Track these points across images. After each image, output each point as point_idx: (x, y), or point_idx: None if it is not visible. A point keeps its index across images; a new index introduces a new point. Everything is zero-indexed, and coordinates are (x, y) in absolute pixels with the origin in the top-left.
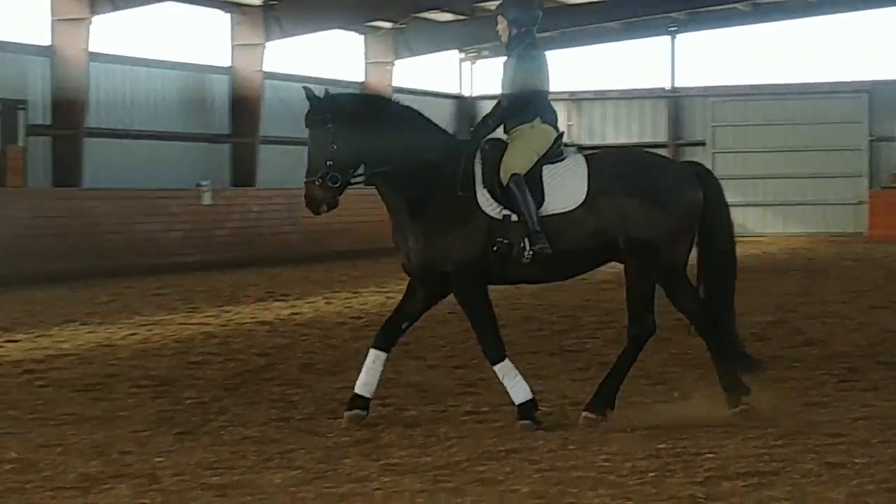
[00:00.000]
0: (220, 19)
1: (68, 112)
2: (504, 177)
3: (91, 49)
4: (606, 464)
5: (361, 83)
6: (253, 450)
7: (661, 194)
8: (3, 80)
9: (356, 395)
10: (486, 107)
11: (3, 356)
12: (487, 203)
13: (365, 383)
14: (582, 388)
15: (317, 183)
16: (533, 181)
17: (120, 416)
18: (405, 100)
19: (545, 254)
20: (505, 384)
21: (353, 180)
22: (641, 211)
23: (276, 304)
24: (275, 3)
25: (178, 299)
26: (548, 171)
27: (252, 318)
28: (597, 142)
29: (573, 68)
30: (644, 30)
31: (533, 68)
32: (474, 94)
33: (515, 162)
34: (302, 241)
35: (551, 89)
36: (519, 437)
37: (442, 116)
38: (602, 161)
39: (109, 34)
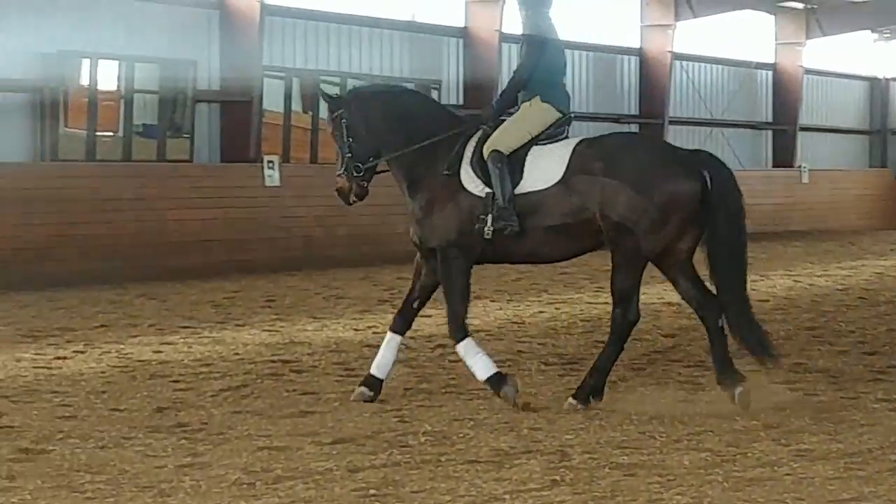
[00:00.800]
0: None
1: (480, 93)
2: (486, 153)
3: (504, 30)
4: None
5: (772, 65)
6: (661, 430)
7: (646, 180)
8: (419, 62)
9: (369, 374)
10: None
11: (416, 331)
12: (470, 181)
13: (378, 364)
14: None
15: (343, 175)
16: (517, 159)
17: (529, 392)
18: (816, 82)
19: (513, 231)
20: (467, 363)
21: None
22: (620, 194)
23: None
24: None
25: (585, 278)
26: (535, 151)
27: (659, 298)
28: None
29: None
30: None
31: (532, 50)
32: (888, 76)
33: (500, 139)
34: None
35: (559, 69)
36: None
37: (853, 99)
38: (592, 144)
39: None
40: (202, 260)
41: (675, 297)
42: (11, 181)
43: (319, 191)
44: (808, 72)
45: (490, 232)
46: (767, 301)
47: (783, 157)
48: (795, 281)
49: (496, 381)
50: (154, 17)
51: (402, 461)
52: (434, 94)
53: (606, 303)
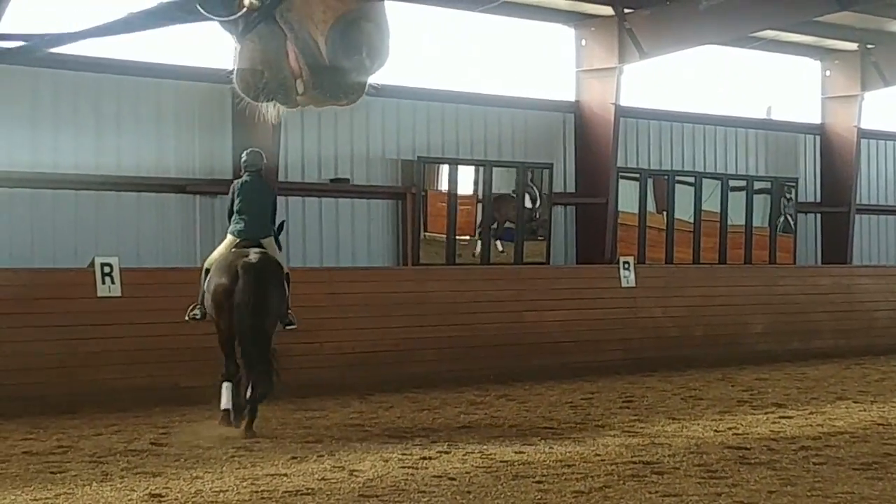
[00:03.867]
0: None
1: (837, 189)
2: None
3: (862, 126)
4: None
5: None
6: None
7: (208, 281)
8: (775, 159)
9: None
10: None
11: (778, 432)
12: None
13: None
14: None
15: None
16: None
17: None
18: None
19: (201, 315)
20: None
21: None
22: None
23: None
24: None
25: None
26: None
27: None
28: None
29: None
30: None
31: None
32: None
33: (209, 257)
34: None
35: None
36: None
37: None
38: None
39: (881, 110)
40: (559, 361)
41: None
42: (375, 286)
43: (675, 291)
44: None
45: (192, 316)
46: None
47: None
48: None
49: (225, 415)
50: (511, 121)
51: None
52: (790, 192)
53: None
